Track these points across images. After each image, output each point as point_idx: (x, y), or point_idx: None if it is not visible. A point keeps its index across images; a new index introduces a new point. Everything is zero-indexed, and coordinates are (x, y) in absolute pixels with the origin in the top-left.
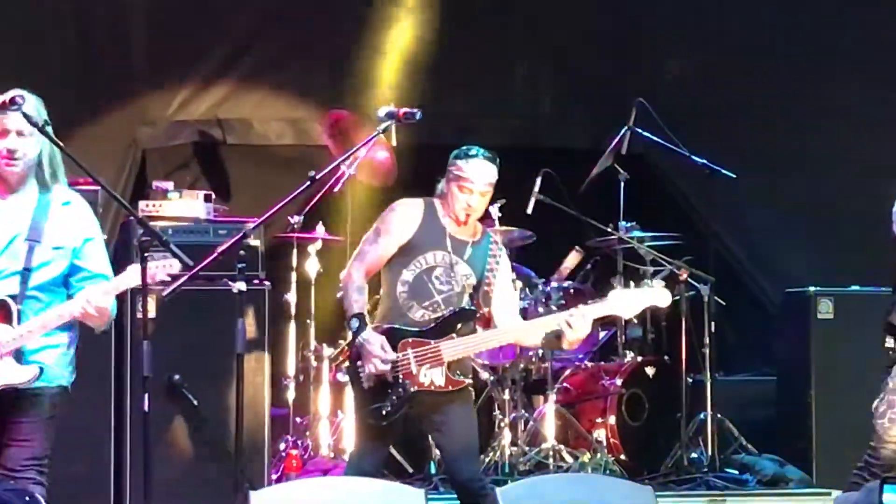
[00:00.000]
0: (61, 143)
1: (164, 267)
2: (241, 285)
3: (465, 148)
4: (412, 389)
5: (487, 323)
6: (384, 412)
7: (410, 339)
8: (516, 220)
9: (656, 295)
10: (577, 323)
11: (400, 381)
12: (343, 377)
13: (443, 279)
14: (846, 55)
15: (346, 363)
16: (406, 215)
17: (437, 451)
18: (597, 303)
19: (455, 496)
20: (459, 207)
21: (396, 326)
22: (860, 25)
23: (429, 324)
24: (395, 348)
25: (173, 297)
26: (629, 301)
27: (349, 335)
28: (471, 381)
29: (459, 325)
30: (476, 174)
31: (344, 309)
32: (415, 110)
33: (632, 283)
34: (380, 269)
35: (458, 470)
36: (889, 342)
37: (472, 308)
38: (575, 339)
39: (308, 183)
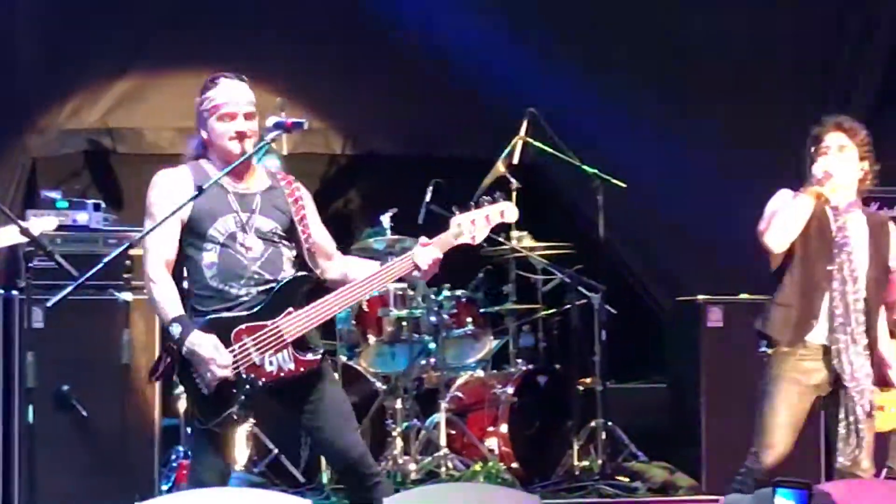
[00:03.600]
0: None
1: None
2: (126, 295)
3: (208, 78)
4: (259, 384)
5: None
6: (235, 417)
7: (244, 326)
8: (408, 229)
9: (502, 209)
10: (425, 263)
11: (244, 377)
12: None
13: (248, 243)
14: (734, 70)
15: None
16: (172, 184)
17: (312, 441)
18: (440, 236)
19: None
20: (228, 140)
21: (224, 316)
22: (743, 44)
23: (257, 302)
24: (228, 341)
25: (60, 306)
26: (473, 223)
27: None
28: (322, 353)
29: (294, 296)
30: (232, 95)
31: (160, 317)
32: (302, 120)
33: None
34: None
35: (344, 450)
36: (762, 347)
37: (304, 274)
38: (427, 275)
39: (196, 193)
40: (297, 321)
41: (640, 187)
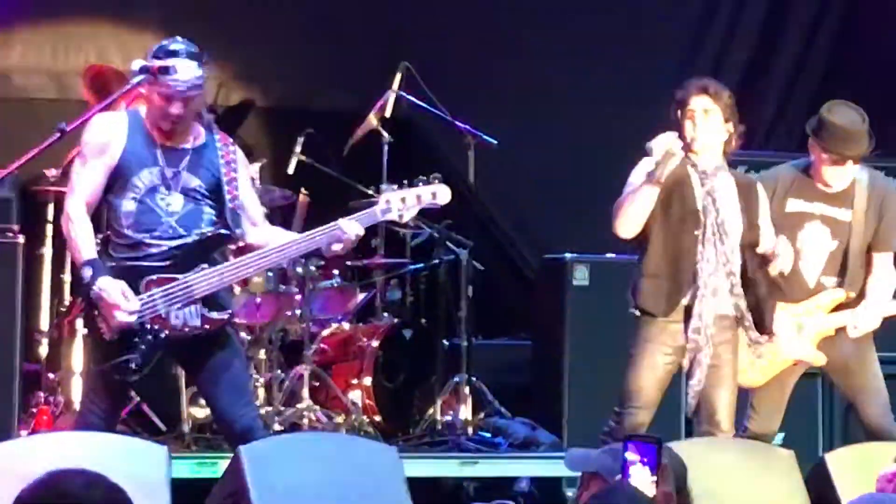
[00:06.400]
0: None
1: None
2: None
3: (164, 44)
4: (163, 335)
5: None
6: (133, 365)
7: (156, 277)
8: (279, 180)
9: (434, 191)
10: (346, 238)
11: (148, 327)
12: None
13: (168, 198)
14: (607, 31)
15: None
16: (107, 128)
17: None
18: (366, 211)
19: (208, 455)
20: (161, 116)
21: (135, 264)
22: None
23: (171, 255)
24: (137, 289)
25: None
26: (403, 201)
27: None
28: (230, 313)
29: (209, 253)
30: (181, 79)
31: (72, 257)
32: (169, 64)
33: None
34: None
35: (231, 422)
36: (632, 308)
37: (222, 232)
38: (344, 249)
39: (57, 135)
40: (208, 278)
41: (511, 144)
